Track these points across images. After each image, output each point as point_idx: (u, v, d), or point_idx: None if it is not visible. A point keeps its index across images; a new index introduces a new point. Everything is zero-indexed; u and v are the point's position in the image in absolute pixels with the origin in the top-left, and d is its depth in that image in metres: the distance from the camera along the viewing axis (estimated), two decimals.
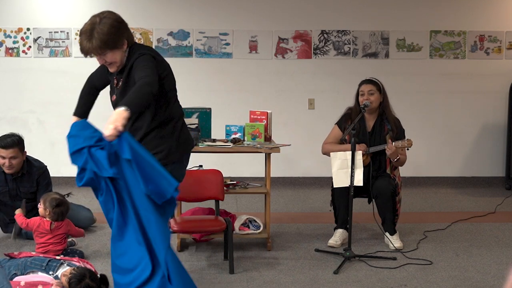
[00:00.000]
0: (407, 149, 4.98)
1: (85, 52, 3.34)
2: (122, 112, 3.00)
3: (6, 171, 5.00)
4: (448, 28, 7.53)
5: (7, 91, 7.41)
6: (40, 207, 4.57)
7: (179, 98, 3.72)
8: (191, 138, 3.75)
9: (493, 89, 7.62)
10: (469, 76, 7.61)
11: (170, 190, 3.11)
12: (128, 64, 3.41)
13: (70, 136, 3.33)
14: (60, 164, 7.29)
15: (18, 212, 4.64)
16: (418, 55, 7.54)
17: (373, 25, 7.48)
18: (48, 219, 4.51)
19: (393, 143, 4.89)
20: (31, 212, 5.17)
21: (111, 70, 3.48)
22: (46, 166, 5.23)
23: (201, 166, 5.10)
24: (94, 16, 3.37)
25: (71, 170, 7.47)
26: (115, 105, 3.48)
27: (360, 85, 5.06)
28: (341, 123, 5.12)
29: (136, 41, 3.68)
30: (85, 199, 6.55)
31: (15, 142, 4.94)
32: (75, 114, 3.76)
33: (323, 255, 4.79)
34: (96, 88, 3.78)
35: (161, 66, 3.42)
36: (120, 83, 3.49)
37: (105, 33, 3.27)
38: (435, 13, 7.51)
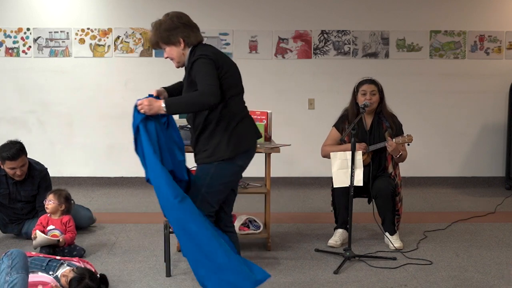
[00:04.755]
0: (408, 145, 4.98)
1: (150, 43, 3.76)
2: (158, 107, 3.49)
3: (17, 179, 5.00)
4: (448, 28, 7.53)
5: (7, 91, 7.41)
6: (54, 204, 4.63)
7: None
8: (252, 138, 3.76)
9: (493, 89, 7.62)
10: (469, 76, 7.61)
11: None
12: (188, 64, 3.66)
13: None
14: (60, 164, 7.31)
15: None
16: (418, 55, 7.54)
17: (373, 25, 7.48)
18: (57, 215, 4.61)
19: (394, 139, 4.88)
20: (30, 213, 5.17)
21: (175, 66, 3.78)
22: (46, 168, 5.23)
23: None
24: (165, 14, 3.75)
25: (71, 170, 7.44)
26: None
27: (360, 84, 5.03)
28: (339, 124, 5.11)
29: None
30: (85, 199, 6.56)
31: (20, 150, 4.94)
32: (165, 87, 3.92)
33: (323, 255, 4.79)
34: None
35: (221, 68, 3.58)
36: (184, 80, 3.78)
37: (162, 29, 3.66)
38: (435, 13, 7.51)
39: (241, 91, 3.77)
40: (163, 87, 3.88)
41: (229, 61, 3.73)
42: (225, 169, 3.66)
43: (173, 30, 3.65)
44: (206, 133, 3.64)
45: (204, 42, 3.76)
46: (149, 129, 3.57)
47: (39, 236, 4.50)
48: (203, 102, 3.46)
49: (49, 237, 4.53)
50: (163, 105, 3.49)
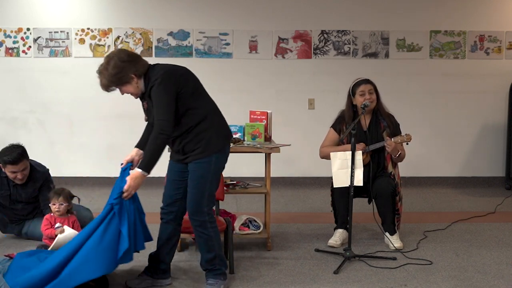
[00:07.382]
0: (407, 144, 4.97)
1: (103, 88, 3.83)
2: (140, 177, 3.71)
3: (19, 182, 4.99)
4: (448, 28, 7.53)
5: (7, 91, 7.41)
6: (65, 205, 4.63)
7: None
8: (228, 127, 4.01)
9: (493, 89, 7.62)
10: (469, 76, 7.61)
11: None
12: (147, 91, 3.79)
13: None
14: (60, 164, 7.31)
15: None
16: (418, 55, 7.54)
17: (373, 25, 7.48)
18: (56, 215, 4.60)
19: (392, 139, 4.88)
20: (31, 214, 5.16)
21: (134, 97, 3.90)
22: (48, 169, 5.22)
23: None
24: (105, 57, 3.81)
25: (71, 170, 7.41)
26: (151, 124, 3.88)
27: (357, 85, 5.01)
28: (336, 125, 5.11)
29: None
30: (85, 199, 6.55)
31: (21, 154, 4.93)
32: (136, 145, 4.06)
33: (323, 255, 4.79)
34: (148, 122, 4.01)
35: (175, 84, 3.72)
36: (146, 105, 3.89)
37: (110, 74, 3.74)
38: (435, 13, 7.51)
39: (203, 89, 3.92)
40: (136, 147, 4.03)
41: (182, 71, 3.85)
42: (221, 161, 3.92)
43: (122, 72, 3.73)
44: (190, 136, 3.81)
45: (149, 64, 3.86)
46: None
47: (67, 230, 4.44)
48: (163, 141, 3.68)
49: (75, 231, 4.53)
50: (141, 171, 3.70)
